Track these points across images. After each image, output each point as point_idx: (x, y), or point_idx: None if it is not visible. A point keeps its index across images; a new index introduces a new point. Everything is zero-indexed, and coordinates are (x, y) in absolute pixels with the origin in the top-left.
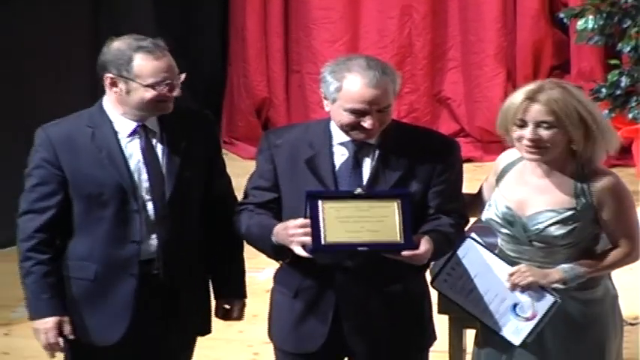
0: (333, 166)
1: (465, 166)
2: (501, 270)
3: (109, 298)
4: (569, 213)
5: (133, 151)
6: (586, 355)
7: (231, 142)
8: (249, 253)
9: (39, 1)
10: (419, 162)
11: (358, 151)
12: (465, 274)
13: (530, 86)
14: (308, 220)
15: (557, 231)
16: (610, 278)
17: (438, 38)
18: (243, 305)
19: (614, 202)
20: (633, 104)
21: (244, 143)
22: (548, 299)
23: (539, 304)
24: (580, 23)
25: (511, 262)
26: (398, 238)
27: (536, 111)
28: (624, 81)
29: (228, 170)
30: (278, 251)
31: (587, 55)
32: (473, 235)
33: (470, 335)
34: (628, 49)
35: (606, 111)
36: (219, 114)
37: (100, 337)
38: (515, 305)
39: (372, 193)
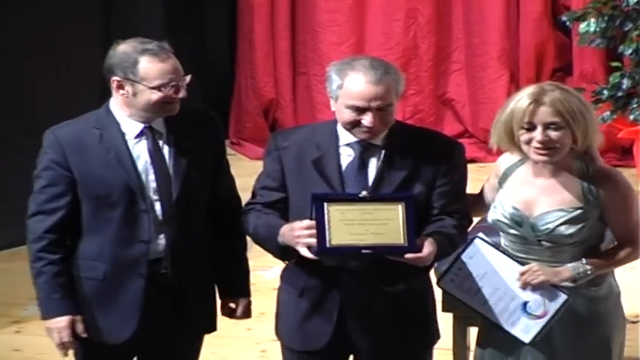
0: (340, 166)
1: (469, 166)
2: (511, 268)
3: (119, 297)
4: (578, 212)
5: (140, 152)
6: (592, 352)
7: (239, 142)
8: (257, 251)
9: (39, 1)
10: (423, 163)
11: (364, 151)
12: (472, 273)
13: (532, 89)
14: (314, 222)
15: (566, 230)
16: (613, 276)
17: (443, 41)
18: (249, 303)
19: (620, 200)
20: (634, 106)
21: (252, 144)
22: (561, 297)
23: (551, 302)
24: (582, 26)
25: (518, 262)
26: (402, 241)
27: (544, 113)
28: (625, 83)
29: (236, 170)
30: (284, 251)
31: (589, 57)
32: (480, 234)
33: (474, 333)
34: (629, 51)
35: (608, 112)
36: (228, 115)
37: (111, 336)
38: (525, 303)
39: (377, 196)
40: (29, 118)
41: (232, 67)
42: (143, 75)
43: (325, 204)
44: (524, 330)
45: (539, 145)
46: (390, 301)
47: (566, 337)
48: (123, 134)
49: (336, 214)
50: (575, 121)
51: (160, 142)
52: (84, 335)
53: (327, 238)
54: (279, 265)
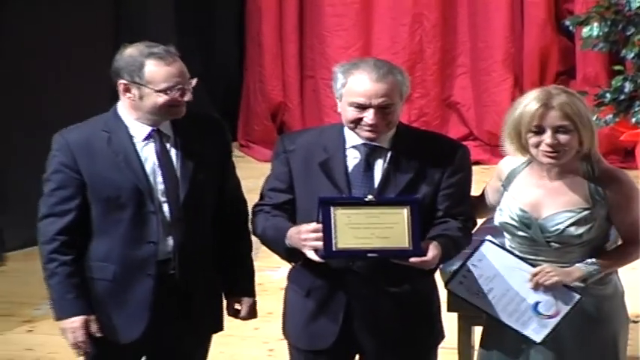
0: (346, 168)
1: (474, 168)
2: (521, 270)
3: (128, 298)
4: (586, 212)
5: (148, 154)
6: (601, 350)
7: (247, 145)
8: (265, 252)
9: (39, 1)
10: (429, 165)
11: (370, 154)
12: (482, 275)
13: (539, 93)
14: (320, 225)
15: (576, 231)
16: (618, 275)
17: (448, 45)
18: (254, 304)
19: (626, 200)
20: (636, 109)
21: (260, 146)
22: (573, 297)
23: (563, 302)
24: (585, 30)
25: (528, 264)
26: (407, 245)
27: (553, 117)
28: (628, 86)
29: (245, 172)
30: (291, 254)
31: (592, 61)
32: (489, 237)
33: (479, 332)
34: (631, 55)
35: (610, 115)
36: (236, 117)
37: (121, 335)
38: (536, 304)
39: (383, 199)
40: (29, 118)
41: (241, 70)
42: (149, 78)
43: (332, 208)
44: (536, 330)
45: (548, 149)
46: (395, 302)
47: (575, 336)
48: (131, 137)
49: (342, 217)
50: (583, 124)
51: (168, 145)
52: (98, 335)
53: (333, 242)
54: (286, 266)
